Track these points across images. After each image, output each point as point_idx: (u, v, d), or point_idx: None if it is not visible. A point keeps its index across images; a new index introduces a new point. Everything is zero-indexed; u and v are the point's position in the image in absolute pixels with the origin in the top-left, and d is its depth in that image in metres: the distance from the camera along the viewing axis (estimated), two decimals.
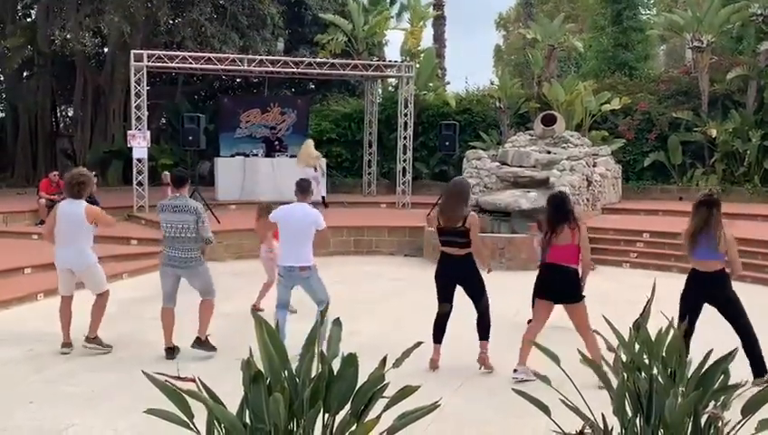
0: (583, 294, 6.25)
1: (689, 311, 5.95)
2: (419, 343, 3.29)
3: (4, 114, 25.60)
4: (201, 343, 6.94)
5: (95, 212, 7.07)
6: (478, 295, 6.66)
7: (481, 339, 6.65)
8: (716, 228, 6.02)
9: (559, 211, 6.25)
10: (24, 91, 23.15)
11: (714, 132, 17.64)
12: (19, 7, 23.85)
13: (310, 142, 17.03)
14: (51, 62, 22.41)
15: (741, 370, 3.66)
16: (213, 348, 6.95)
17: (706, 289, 6.09)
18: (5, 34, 21.97)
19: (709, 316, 6.19)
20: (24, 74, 24.25)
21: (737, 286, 6.30)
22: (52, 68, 22.77)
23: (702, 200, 6.19)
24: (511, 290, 9.03)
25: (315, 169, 16.09)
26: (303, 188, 7.01)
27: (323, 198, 16.24)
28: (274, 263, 8.70)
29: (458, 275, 6.63)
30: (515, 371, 6.15)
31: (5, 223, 14.27)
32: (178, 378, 3.07)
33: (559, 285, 6.25)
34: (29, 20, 23.47)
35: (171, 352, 6.86)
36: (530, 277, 8.82)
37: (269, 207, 9.00)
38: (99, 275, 7.18)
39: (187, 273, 6.82)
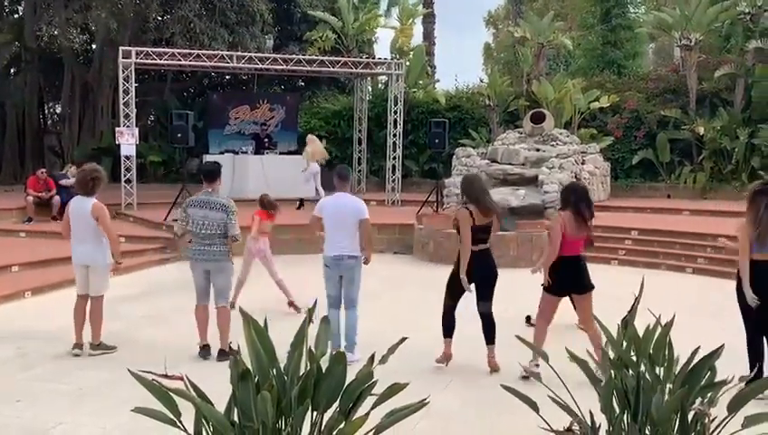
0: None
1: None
2: (404, 339, 3.29)
3: None
4: (226, 353, 6.65)
5: (100, 211, 6.96)
6: (492, 293, 6.62)
7: (490, 343, 6.59)
8: None
9: (590, 202, 6.23)
10: (11, 87, 22.97)
11: (702, 130, 17.72)
12: (6, 3, 23.68)
13: (315, 138, 17.03)
14: (38, 59, 22.25)
15: (727, 366, 3.67)
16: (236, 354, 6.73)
17: None
18: None
19: (693, 309, 6.22)
20: (12, 71, 24.08)
21: (724, 284, 6.34)
22: (39, 64, 22.61)
23: (761, 189, 5.96)
24: (499, 288, 9.05)
25: (320, 164, 16.16)
26: (344, 177, 6.92)
27: (302, 199, 16.17)
28: (253, 259, 8.77)
29: (489, 271, 6.55)
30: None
31: None
32: (166, 376, 3.06)
33: (580, 276, 6.26)
34: (16, 16, 23.31)
35: (206, 349, 6.82)
36: (519, 274, 8.88)
37: (271, 201, 9.01)
38: (106, 277, 7.14)
39: (215, 267, 6.76)
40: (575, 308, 6.71)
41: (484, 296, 6.57)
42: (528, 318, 8.26)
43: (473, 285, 6.49)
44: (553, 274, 6.24)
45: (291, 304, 8.59)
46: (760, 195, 5.90)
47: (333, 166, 21.01)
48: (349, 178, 6.99)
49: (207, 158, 17.98)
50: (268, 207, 8.95)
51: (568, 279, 6.25)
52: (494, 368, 6.48)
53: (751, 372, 5.20)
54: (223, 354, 6.72)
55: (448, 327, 6.61)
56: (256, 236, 8.76)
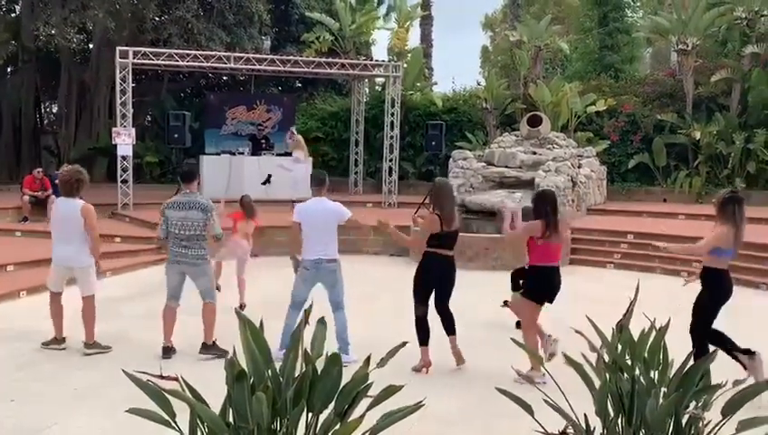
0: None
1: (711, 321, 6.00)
2: (404, 343, 3.30)
3: None
4: (208, 347, 6.83)
5: (89, 212, 6.93)
6: (450, 294, 6.74)
7: (451, 334, 6.71)
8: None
9: (555, 208, 6.26)
10: (7, 87, 22.95)
11: (698, 135, 17.77)
12: (3, 2, 23.64)
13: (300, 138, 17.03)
14: (35, 58, 22.23)
15: (721, 370, 3.69)
16: (224, 351, 6.63)
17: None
18: None
19: (688, 313, 6.22)
20: (8, 70, 24.04)
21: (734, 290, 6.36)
22: (36, 64, 22.59)
23: (735, 198, 6.14)
24: (496, 290, 9.07)
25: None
26: (320, 181, 6.92)
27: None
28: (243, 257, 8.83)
29: (450, 275, 6.64)
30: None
31: None
32: (161, 377, 3.06)
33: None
34: (13, 15, 23.26)
35: (168, 351, 6.77)
36: None
37: (249, 203, 9.07)
38: (93, 276, 7.10)
39: (193, 271, 6.74)
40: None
41: (446, 297, 6.72)
42: (518, 324, 8.26)
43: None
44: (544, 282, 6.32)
45: (241, 305, 8.62)
46: (730, 203, 6.07)
47: (329, 168, 21.20)
48: (325, 183, 6.96)
49: (204, 158, 18.04)
50: (246, 209, 8.98)
51: (553, 288, 6.33)
52: (458, 357, 6.67)
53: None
54: (205, 348, 6.80)
55: (425, 334, 6.62)
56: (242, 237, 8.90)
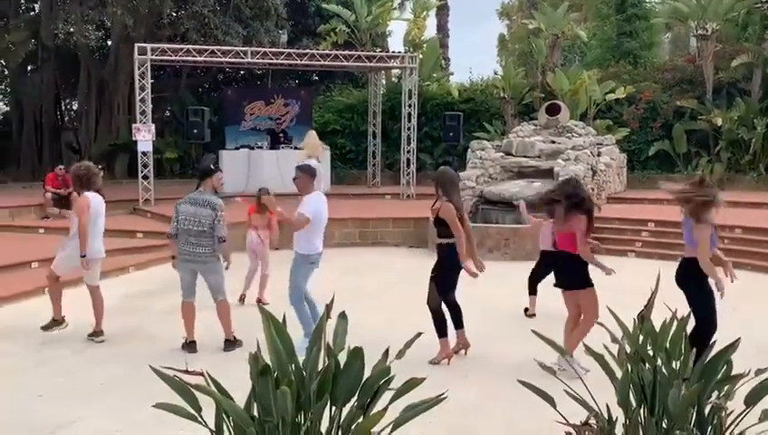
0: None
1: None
2: (419, 334, 3.32)
3: (8, 108, 25.68)
4: (231, 343, 6.94)
5: (76, 204, 7.22)
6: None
7: (461, 328, 6.75)
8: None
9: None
10: (28, 85, 23.17)
11: (719, 121, 17.59)
12: (23, 1, 23.87)
13: (314, 133, 17.01)
14: (54, 56, 22.43)
15: (744, 360, 3.67)
16: (240, 343, 6.94)
17: None
18: (9, 29, 21.99)
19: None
20: (29, 68, 24.27)
21: (740, 274, 6.32)
22: (55, 62, 22.79)
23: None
24: (516, 281, 9.06)
25: (318, 160, 16.09)
26: (314, 174, 6.99)
27: None
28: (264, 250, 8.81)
29: (460, 263, 6.62)
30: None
31: (12, 217, 14.32)
32: (186, 372, 3.10)
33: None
34: (32, 14, 23.48)
35: (193, 346, 6.85)
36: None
37: (263, 197, 9.04)
38: (95, 268, 7.35)
39: (203, 268, 6.79)
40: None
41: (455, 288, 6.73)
42: (527, 310, 8.32)
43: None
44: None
45: (258, 300, 8.69)
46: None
47: (347, 160, 21.24)
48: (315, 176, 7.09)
49: (224, 153, 18.16)
50: (258, 202, 8.94)
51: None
52: (465, 346, 6.73)
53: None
54: (229, 344, 6.91)
55: (443, 325, 6.62)
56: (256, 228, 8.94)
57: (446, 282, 6.61)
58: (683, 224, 5.86)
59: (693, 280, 5.71)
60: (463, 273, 6.61)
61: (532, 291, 8.38)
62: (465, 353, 6.72)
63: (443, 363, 6.51)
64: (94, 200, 7.23)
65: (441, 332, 6.58)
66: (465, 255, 6.51)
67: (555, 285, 6.46)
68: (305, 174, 6.91)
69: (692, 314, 5.70)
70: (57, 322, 7.37)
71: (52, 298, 7.41)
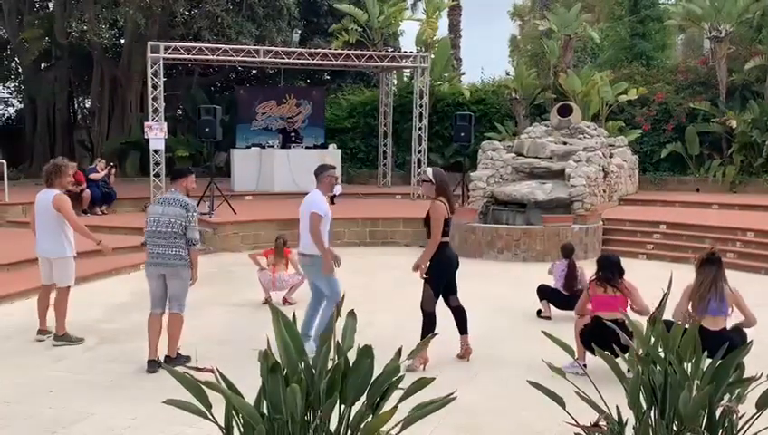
0: None
1: None
2: (434, 335, 3.31)
3: (22, 106, 25.85)
4: (171, 360, 6.25)
5: (60, 202, 7.02)
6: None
7: (465, 333, 6.65)
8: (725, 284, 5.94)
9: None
10: (41, 82, 23.32)
11: (732, 123, 17.48)
12: None
13: None
14: (68, 54, 22.55)
15: (756, 363, 3.65)
16: (186, 359, 6.31)
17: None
18: (23, 26, 22.14)
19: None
20: (42, 66, 24.43)
21: (753, 278, 6.29)
22: (69, 60, 22.91)
23: (707, 258, 6.00)
24: (526, 282, 9.05)
25: None
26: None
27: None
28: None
29: (457, 262, 6.61)
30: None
31: (24, 214, 14.39)
32: (197, 369, 3.11)
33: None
34: (46, 11, 23.62)
35: (153, 365, 6.18)
36: (545, 268, 8.88)
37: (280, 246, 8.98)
38: (69, 268, 7.16)
39: (170, 272, 6.23)
40: None
41: (455, 289, 6.66)
42: (539, 312, 8.31)
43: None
44: None
45: (284, 300, 8.73)
46: (707, 265, 5.92)
47: (357, 160, 21.26)
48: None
49: (235, 152, 18.21)
50: (276, 248, 8.94)
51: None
52: (468, 353, 6.62)
53: None
54: (169, 361, 6.22)
55: (430, 331, 6.26)
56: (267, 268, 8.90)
57: (439, 283, 6.46)
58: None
59: None
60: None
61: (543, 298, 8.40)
62: (468, 360, 6.62)
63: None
64: (38, 197, 7.17)
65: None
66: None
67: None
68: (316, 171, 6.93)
69: None
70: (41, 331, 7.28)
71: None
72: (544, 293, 8.38)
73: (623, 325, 6.01)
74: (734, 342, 5.76)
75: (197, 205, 7.96)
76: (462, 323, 6.64)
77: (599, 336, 5.98)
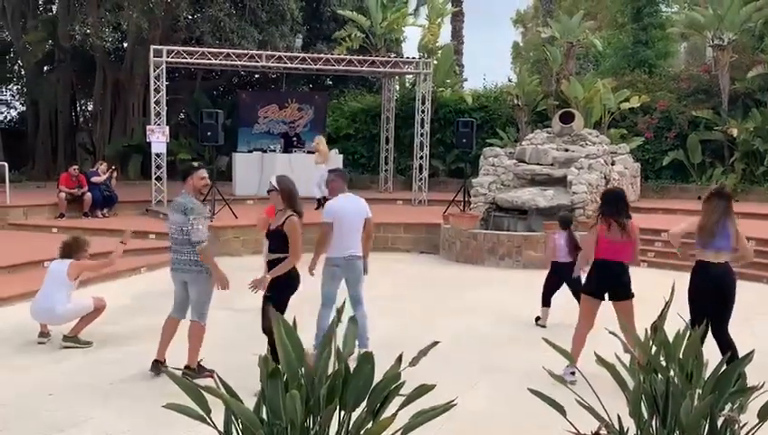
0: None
1: (703, 311, 5.81)
2: (436, 343, 3.30)
3: (24, 108, 25.88)
4: (191, 370, 6.04)
5: (79, 266, 7.34)
6: None
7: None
8: (733, 220, 5.94)
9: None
10: (44, 85, 23.35)
11: (734, 131, 17.49)
12: (40, 2, 24.08)
13: (323, 138, 17.03)
14: (71, 57, 22.58)
15: (758, 372, 3.63)
16: (209, 372, 5.86)
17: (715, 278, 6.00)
18: (26, 29, 22.19)
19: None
20: (45, 69, 24.47)
21: (755, 287, 6.28)
22: (72, 63, 22.95)
23: (717, 192, 6.05)
24: (526, 288, 9.03)
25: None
26: (346, 177, 7.01)
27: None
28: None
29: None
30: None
31: (26, 216, 14.43)
32: (198, 373, 3.10)
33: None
34: (50, 14, 23.68)
35: (157, 365, 6.19)
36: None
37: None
38: (78, 311, 7.29)
39: (189, 277, 6.19)
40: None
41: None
42: (538, 319, 8.28)
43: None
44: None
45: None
46: (717, 198, 5.96)
47: (359, 165, 21.25)
48: (347, 178, 7.08)
49: (236, 156, 18.22)
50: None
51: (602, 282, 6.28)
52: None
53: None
54: (189, 370, 5.97)
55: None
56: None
57: (281, 303, 5.88)
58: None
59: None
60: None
61: (546, 303, 8.34)
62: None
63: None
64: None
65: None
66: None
67: (612, 298, 6.28)
68: (336, 177, 6.95)
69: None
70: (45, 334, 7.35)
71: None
72: (552, 287, 8.30)
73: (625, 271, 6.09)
74: (732, 277, 5.96)
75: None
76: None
77: (602, 281, 6.06)
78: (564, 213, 9.25)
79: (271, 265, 5.95)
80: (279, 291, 5.89)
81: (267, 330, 5.76)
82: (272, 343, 5.54)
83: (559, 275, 8.23)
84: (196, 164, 6.54)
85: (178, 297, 6.39)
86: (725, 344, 5.77)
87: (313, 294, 7.23)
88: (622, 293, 6.20)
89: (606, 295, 6.27)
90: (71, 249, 7.40)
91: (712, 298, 5.91)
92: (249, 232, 13.20)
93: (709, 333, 5.65)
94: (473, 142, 16.33)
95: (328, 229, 6.66)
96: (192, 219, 6.06)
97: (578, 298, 7.96)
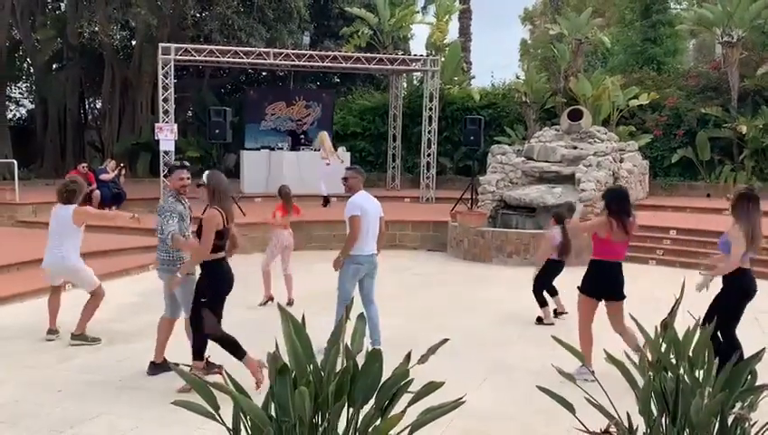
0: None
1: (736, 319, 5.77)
2: (445, 340, 3.29)
3: (33, 106, 26.00)
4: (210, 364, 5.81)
5: (83, 213, 7.24)
6: None
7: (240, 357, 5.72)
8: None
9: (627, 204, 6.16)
10: (53, 83, 23.45)
11: (744, 129, 17.40)
12: (49, 0, 24.16)
13: (326, 134, 17.07)
14: (79, 55, 22.67)
15: None
16: (217, 368, 5.55)
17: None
18: (36, 27, 22.28)
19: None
20: (54, 67, 24.57)
21: (761, 285, 6.26)
22: (80, 60, 23.04)
23: (748, 194, 5.87)
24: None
25: (341, 160, 16.28)
26: (363, 175, 7.03)
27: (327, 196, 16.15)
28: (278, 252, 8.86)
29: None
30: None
31: (35, 214, 14.48)
32: (206, 369, 3.10)
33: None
34: (58, 12, 23.76)
35: (154, 367, 6.16)
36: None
37: (288, 193, 9.06)
38: (86, 274, 7.31)
39: (166, 278, 6.14)
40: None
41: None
42: (539, 319, 8.22)
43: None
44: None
45: (289, 301, 8.70)
46: (744, 200, 5.81)
47: (366, 163, 21.26)
48: (364, 176, 7.12)
49: (244, 153, 18.25)
50: (285, 199, 8.94)
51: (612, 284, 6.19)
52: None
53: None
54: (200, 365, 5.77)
55: (237, 347, 5.64)
56: (277, 227, 8.90)
57: (215, 305, 5.78)
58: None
59: None
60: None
61: (543, 302, 8.28)
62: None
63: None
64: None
65: (238, 354, 5.59)
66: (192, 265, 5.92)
67: (607, 299, 6.21)
68: (353, 175, 6.95)
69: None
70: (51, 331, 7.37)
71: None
72: (542, 286, 8.28)
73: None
74: None
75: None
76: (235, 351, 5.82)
77: (607, 283, 6.04)
78: (560, 208, 9.06)
79: (204, 265, 5.78)
80: (212, 292, 5.75)
81: (212, 337, 5.68)
82: (220, 341, 5.63)
83: (549, 274, 8.24)
84: (179, 163, 6.48)
85: (167, 297, 6.34)
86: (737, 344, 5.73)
87: (318, 292, 7.26)
88: (619, 294, 6.17)
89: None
90: (71, 195, 7.22)
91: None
92: (257, 230, 13.21)
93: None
94: (481, 140, 16.30)
95: (360, 223, 6.60)
96: (162, 219, 6.05)
97: (541, 300, 8.02)
